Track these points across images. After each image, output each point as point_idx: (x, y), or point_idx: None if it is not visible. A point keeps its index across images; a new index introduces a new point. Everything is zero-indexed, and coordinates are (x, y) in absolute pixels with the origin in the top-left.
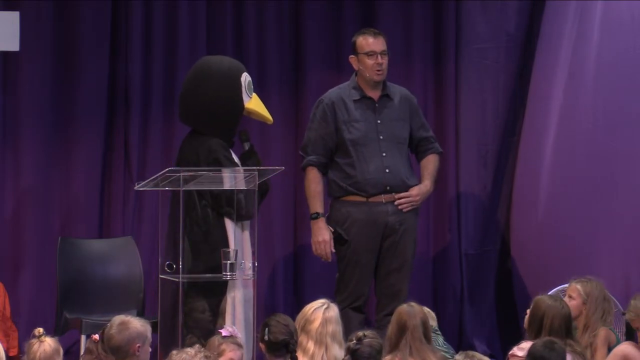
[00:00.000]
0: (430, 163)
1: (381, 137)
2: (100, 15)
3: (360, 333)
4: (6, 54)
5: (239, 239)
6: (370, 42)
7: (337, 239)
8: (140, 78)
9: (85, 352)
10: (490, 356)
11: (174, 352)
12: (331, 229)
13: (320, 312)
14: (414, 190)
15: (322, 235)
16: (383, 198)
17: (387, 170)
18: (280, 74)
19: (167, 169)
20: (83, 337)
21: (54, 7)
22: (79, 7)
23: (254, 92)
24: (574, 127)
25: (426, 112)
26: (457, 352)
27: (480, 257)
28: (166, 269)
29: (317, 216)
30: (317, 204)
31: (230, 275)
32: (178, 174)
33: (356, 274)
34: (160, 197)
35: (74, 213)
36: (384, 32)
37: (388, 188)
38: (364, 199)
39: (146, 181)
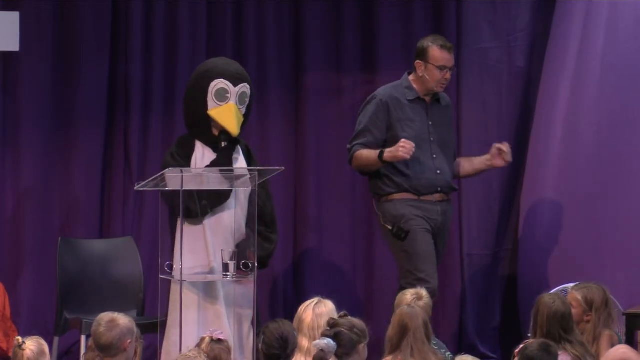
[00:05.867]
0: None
1: (432, 139)
2: (100, 15)
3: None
4: (6, 54)
5: (190, 238)
6: (446, 58)
7: (396, 235)
8: (140, 78)
9: (86, 352)
10: (490, 357)
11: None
12: (388, 226)
13: (310, 308)
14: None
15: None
16: (434, 197)
17: (438, 172)
18: (280, 74)
19: (167, 169)
20: (83, 337)
21: (54, 7)
22: (79, 7)
23: (242, 103)
24: (579, 130)
25: None
26: (456, 352)
27: (485, 258)
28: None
29: (382, 151)
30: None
31: (230, 275)
32: (178, 174)
33: (423, 248)
34: (161, 197)
35: (74, 213)
36: (384, 32)
37: (439, 189)
38: (416, 197)
39: (146, 181)
